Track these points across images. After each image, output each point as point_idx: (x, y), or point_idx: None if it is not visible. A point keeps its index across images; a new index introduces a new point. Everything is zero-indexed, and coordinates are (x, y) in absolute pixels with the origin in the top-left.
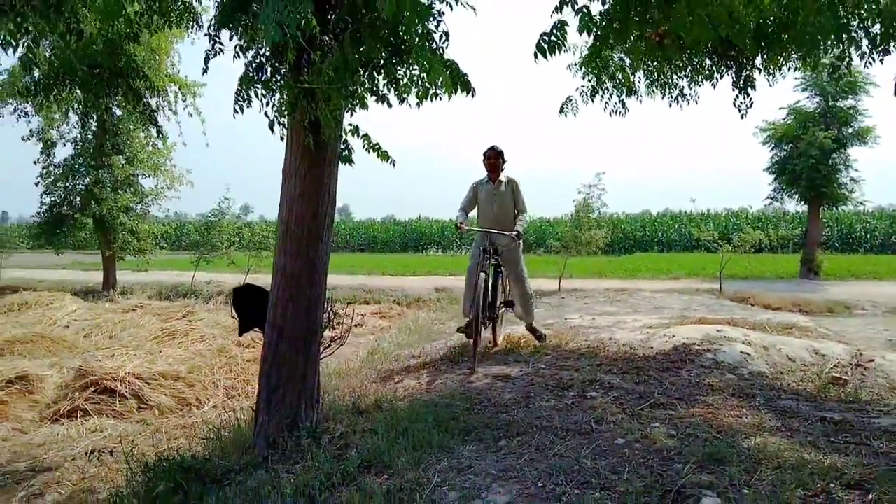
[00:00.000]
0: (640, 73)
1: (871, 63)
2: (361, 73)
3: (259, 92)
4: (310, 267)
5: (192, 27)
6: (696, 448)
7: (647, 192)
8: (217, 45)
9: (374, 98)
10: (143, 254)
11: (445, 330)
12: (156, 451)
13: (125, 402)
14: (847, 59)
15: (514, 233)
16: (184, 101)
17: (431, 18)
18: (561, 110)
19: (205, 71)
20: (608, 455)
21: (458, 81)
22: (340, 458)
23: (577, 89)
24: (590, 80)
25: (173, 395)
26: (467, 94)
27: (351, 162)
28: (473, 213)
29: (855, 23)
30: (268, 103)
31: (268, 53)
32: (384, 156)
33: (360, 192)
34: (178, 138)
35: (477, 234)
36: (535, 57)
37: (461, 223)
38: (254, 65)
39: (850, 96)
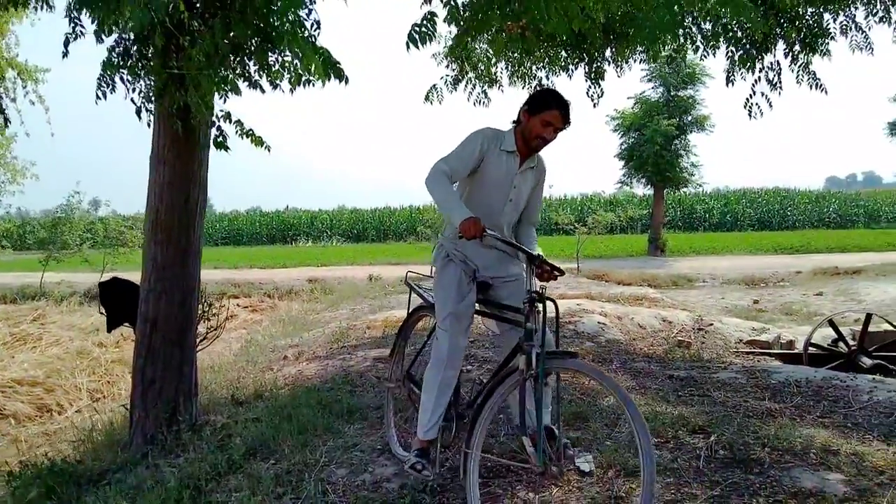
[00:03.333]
0: (501, 65)
1: (705, 56)
2: (232, 58)
3: (125, 77)
4: (182, 256)
5: (41, 7)
6: (563, 409)
7: None
8: (78, 28)
9: (246, 84)
10: None
11: (321, 319)
12: (18, 460)
13: None
14: (683, 53)
15: (535, 253)
16: (24, 87)
17: (303, 7)
18: (426, 98)
19: (65, 55)
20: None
21: (330, 68)
22: (224, 448)
23: (441, 78)
24: (453, 70)
25: (31, 402)
26: (340, 80)
27: (226, 148)
28: None
29: (689, 20)
30: (134, 89)
31: (132, 37)
32: (258, 141)
33: (222, 184)
34: (21, 128)
35: (464, 249)
36: (408, 47)
37: (481, 223)
38: (118, 49)
39: (690, 87)
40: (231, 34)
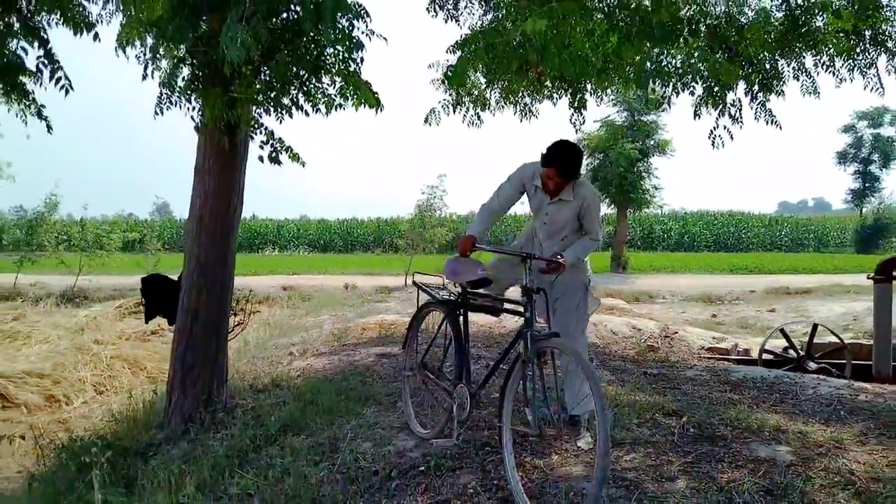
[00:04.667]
0: (493, 91)
1: (677, 94)
2: (291, 86)
3: (191, 97)
4: (222, 257)
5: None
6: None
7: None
8: (157, 54)
9: (293, 107)
10: None
11: (306, 324)
12: (38, 443)
13: None
14: (675, 93)
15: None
16: None
17: (361, 49)
18: (426, 120)
19: (144, 77)
20: (487, 405)
21: (375, 97)
22: (258, 426)
23: (439, 102)
24: (451, 95)
25: (40, 393)
26: (378, 108)
27: (279, 162)
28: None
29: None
30: (193, 108)
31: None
32: (295, 157)
33: (182, 190)
34: None
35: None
36: (443, 83)
37: (469, 243)
38: (185, 74)
39: (652, 112)
40: (293, 67)
